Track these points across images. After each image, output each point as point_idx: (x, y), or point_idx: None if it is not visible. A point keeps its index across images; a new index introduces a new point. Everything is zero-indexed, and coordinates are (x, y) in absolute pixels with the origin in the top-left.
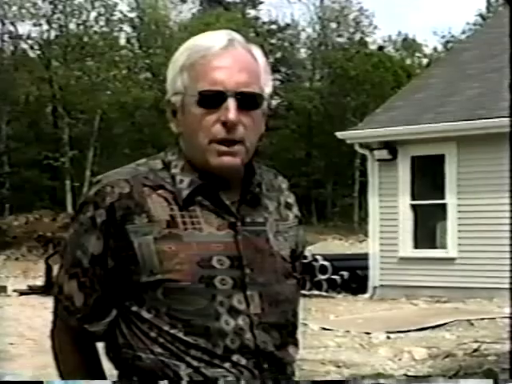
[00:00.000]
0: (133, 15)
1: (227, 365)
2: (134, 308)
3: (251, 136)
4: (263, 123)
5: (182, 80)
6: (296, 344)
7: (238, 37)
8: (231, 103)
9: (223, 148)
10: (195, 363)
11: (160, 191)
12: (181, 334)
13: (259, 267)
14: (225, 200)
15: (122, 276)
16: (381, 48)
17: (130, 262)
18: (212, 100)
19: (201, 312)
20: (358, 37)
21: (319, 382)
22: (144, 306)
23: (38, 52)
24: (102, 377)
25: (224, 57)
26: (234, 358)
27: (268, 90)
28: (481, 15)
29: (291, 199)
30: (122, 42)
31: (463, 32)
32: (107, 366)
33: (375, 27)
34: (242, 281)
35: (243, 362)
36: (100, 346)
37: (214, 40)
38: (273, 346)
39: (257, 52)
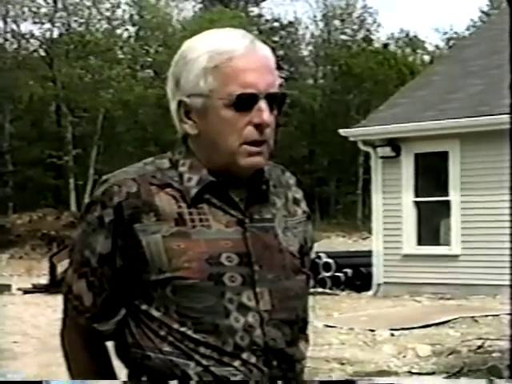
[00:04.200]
0: (134, 13)
1: (237, 363)
2: (144, 306)
3: (273, 135)
4: None
5: (205, 83)
6: (307, 339)
7: (253, 37)
8: (264, 105)
9: (255, 149)
10: (204, 362)
11: (167, 189)
12: (190, 332)
13: (268, 264)
14: (233, 197)
15: (130, 275)
16: (386, 45)
17: (138, 260)
18: (245, 103)
19: (210, 309)
20: (361, 34)
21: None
22: (153, 304)
23: (41, 50)
24: (112, 375)
25: (250, 58)
26: (244, 355)
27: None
28: (484, 12)
29: (299, 195)
30: (125, 39)
31: (467, 29)
32: (117, 365)
33: (379, 25)
34: (251, 277)
35: (253, 360)
36: (110, 344)
37: (236, 41)
38: (284, 342)
39: (268, 50)
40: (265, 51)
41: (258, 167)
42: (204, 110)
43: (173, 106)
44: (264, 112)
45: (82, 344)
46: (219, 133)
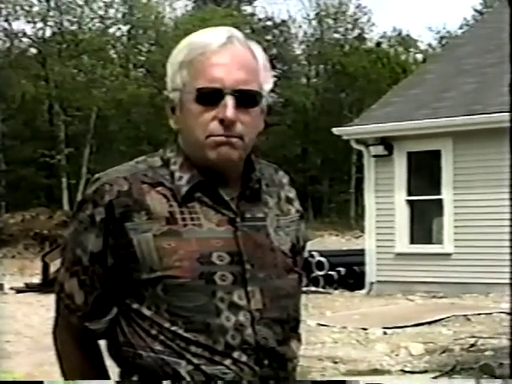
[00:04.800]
0: (127, 12)
1: (228, 362)
2: (135, 305)
3: (250, 133)
4: (262, 120)
5: (181, 77)
6: (299, 339)
7: (237, 34)
8: (229, 101)
9: (221, 139)
10: (195, 360)
11: (159, 188)
12: (181, 331)
13: (260, 262)
14: (224, 196)
15: (122, 273)
16: (379, 44)
17: (129, 259)
18: (210, 97)
19: (201, 308)
20: (354, 33)
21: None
22: (144, 303)
23: (34, 49)
24: (105, 374)
25: (222, 54)
26: (235, 354)
27: (268, 86)
28: (478, 11)
29: (292, 194)
30: (117, 38)
31: (461, 27)
32: (110, 364)
33: (373, 24)
34: (243, 276)
35: (244, 358)
36: (102, 343)
37: (212, 37)
38: (275, 341)
39: (256, 49)
40: (243, 48)
41: (228, 160)
42: (180, 105)
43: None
44: (228, 108)
45: (74, 343)
46: (189, 127)
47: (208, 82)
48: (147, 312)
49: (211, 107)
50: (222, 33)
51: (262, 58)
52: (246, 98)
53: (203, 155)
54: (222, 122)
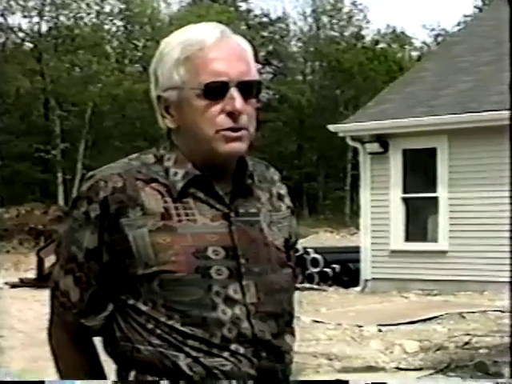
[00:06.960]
0: (123, 7)
1: (226, 354)
2: (131, 301)
3: (252, 124)
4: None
5: (178, 74)
6: (293, 333)
7: (226, 28)
8: (235, 93)
9: (231, 134)
10: (194, 353)
11: (153, 184)
12: (178, 325)
13: (254, 257)
14: (219, 191)
15: (117, 270)
16: (377, 42)
17: (125, 255)
18: (216, 91)
19: (197, 302)
20: (350, 30)
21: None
22: (140, 298)
23: (30, 44)
24: (100, 372)
25: (221, 48)
26: (232, 347)
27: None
28: (478, 8)
29: (283, 190)
30: (113, 34)
31: (458, 24)
32: (104, 359)
33: (368, 21)
34: (238, 270)
35: (241, 350)
36: (98, 340)
37: (207, 32)
38: (270, 334)
39: (243, 41)
40: (237, 41)
41: (238, 154)
42: (179, 103)
43: (154, 102)
44: (236, 100)
45: (69, 340)
46: (194, 123)
47: (212, 76)
48: (143, 307)
49: (217, 101)
50: (213, 27)
51: (249, 49)
52: (249, 89)
53: (212, 149)
54: (229, 114)
